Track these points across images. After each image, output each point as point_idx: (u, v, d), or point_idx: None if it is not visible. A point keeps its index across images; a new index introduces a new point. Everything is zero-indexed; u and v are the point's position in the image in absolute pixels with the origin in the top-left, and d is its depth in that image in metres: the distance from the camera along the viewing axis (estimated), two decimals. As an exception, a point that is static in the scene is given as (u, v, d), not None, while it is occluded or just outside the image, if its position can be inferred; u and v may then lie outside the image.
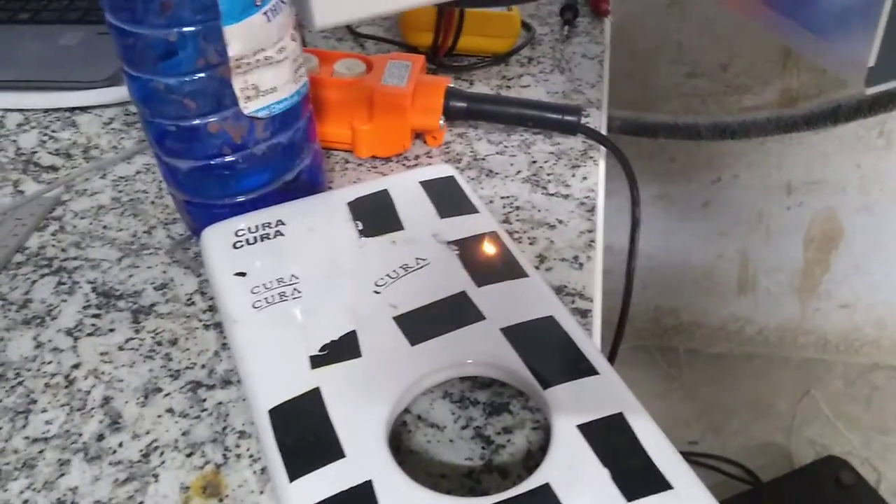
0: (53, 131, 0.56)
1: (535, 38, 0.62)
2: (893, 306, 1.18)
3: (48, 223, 0.48)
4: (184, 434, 0.36)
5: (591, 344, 0.33)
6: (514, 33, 0.59)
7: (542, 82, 0.57)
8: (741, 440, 1.16)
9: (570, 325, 0.34)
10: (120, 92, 0.57)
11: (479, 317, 0.35)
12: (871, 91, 0.29)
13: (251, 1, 0.38)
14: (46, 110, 0.58)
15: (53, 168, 0.53)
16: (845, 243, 1.12)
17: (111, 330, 0.41)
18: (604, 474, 0.28)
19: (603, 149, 0.51)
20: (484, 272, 0.37)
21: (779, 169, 1.06)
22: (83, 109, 0.58)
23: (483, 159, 0.51)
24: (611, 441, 0.29)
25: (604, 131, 0.54)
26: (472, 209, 0.41)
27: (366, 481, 0.29)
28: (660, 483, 0.28)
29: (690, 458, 1.13)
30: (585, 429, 0.30)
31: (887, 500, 1.02)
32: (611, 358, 0.63)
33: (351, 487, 0.29)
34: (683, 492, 0.27)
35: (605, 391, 0.31)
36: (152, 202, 0.50)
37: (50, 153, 0.54)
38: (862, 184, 1.06)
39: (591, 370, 0.32)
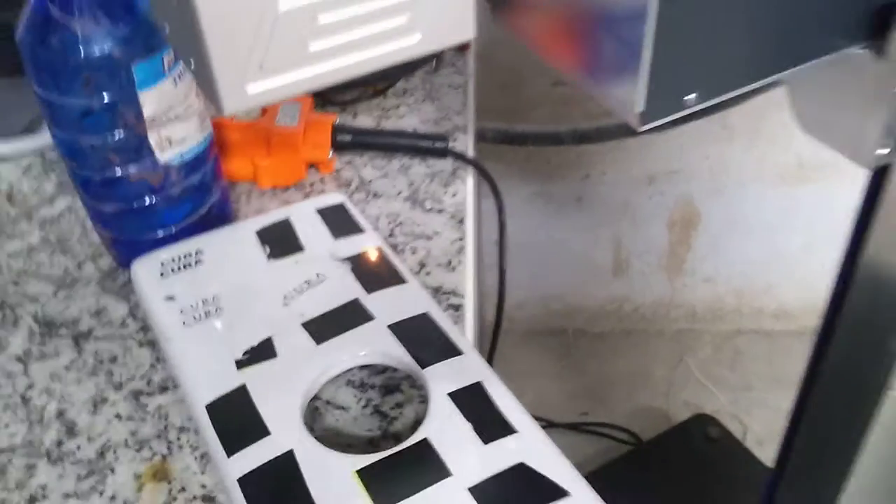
0: (-24, 180, 0.62)
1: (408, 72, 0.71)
2: (749, 277, 1.34)
3: (-16, 265, 0.54)
4: (132, 434, 0.44)
5: (457, 331, 0.43)
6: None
7: (416, 111, 0.67)
8: (626, 407, 1.29)
9: (440, 317, 0.44)
10: (36, 141, 0.63)
11: (369, 318, 0.44)
12: (644, 128, 0.39)
13: (161, 69, 0.46)
14: (-34, 161, 0.63)
15: (-19, 214, 0.59)
16: (703, 225, 1.26)
17: (57, 354, 0.48)
18: (468, 427, 0.38)
19: (471, 167, 0.61)
20: (372, 281, 0.46)
21: (640, 163, 1.19)
22: (1, 159, 0.63)
23: (369, 183, 0.60)
24: (472, 403, 0.39)
25: (470, 152, 0.63)
26: (360, 229, 0.50)
27: (288, 451, 0.37)
28: (509, 429, 0.37)
29: (582, 427, 1.25)
30: (454, 396, 0.39)
31: (751, 449, 1.16)
32: (494, 336, 0.73)
33: (277, 456, 0.37)
34: (526, 434, 0.37)
35: (468, 367, 0.41)
36: (78, 240, 0.56)
37: (-24, 201, 0.60)
38: (711, 172, 1.20)
39: (457, 352, 0.41)
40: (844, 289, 0.54)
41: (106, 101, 0.45)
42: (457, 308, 0.50)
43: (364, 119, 0.66)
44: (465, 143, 0.64)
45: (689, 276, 1.32)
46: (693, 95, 0.40)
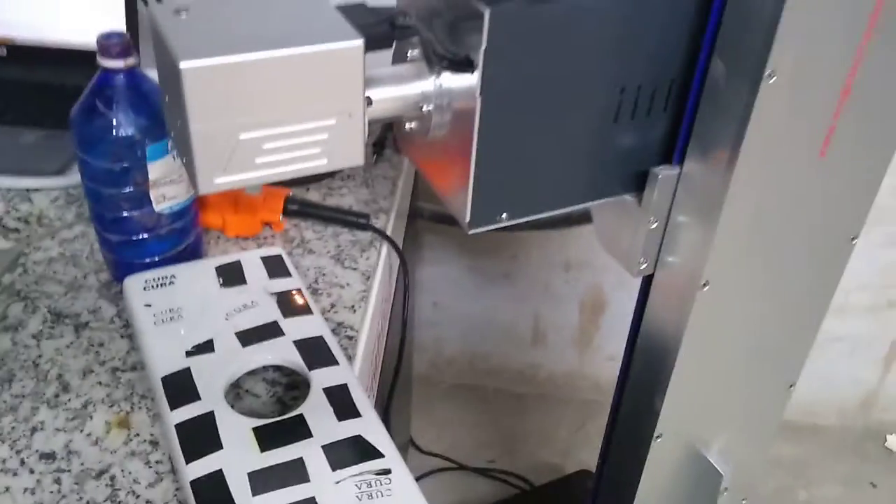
0: (16, 205, 0.82)
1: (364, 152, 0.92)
2: (650, 360, 1.54)
3: (16, 267, 0.74)
4: (107, 395, 0.63)
5: (339, 349, 0.63)
6: (340, 157, 0.90)
7: (354, 193, 0.88)
8: (529, 460, 1.47)
9: (331, 340, 0.64)
10: (65, 180, 0.84)
11: (282, 334, 0.64)
12: (472, 232, 0.60)
13: (166, 149, 0.67)
14: (9, 189, 0.84)
15: (17, 230, 0.79)
16: (610, 310, 1.47)
17: (61, 336, 0.68)
18: (330, 410, 0.57)
19: (386, 241, 0.82)
20: (288, 310, 0.66)
21: (559, 251, 1.41)
22: (37, 190, 0.84)
23: (308, 242, 0.81)
24: (337, 395, 0.58)
25: (389, 229, 0.84)
26: (289, 274, 0.70)
27: (210, 411, 0.57)
28: (356, 413, 0.57)
29: (488, 472, 1.44)
30: (326, 390, 0.59)
31: None
32: (395, 372, 0.93)
33: (203, 413, 0.57)
34: (366, 417, 0.57)
35: (340, 374, 0.61)
36: (86, 257, 0.76)
37: (14, 219, 0.80)
38: (618, 265, 1.42)
39: (335, 362, 0.61)
40: (629, 363, 0.74)
41: (124, 166, 0.66)
42: (351, 338, 0.70)
43: (313, 193, 0.87)
44: (386, 222, 0.85)
45: (597, 352, 1.53)
46: (504, 215, 0.61)
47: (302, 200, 0.82)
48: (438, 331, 1.55)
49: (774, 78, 0.52)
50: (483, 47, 0.51)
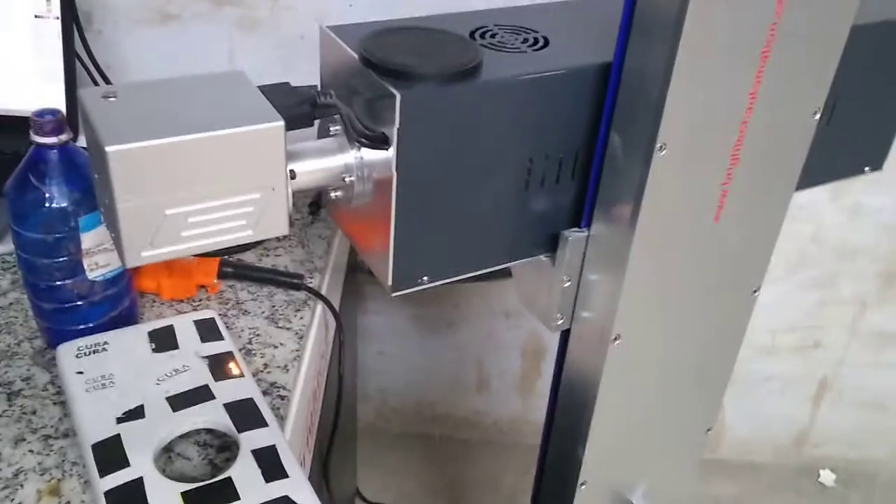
0: (-50, 272, 0.83)
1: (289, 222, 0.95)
2: (592, 403, 1.57)
3: (-51, 336, 0.75)
4: (39, 463, 0.64)
5: (269, 410, 0.65)
6: (276, 218, 0.92)
7: (290, 253, 0.90)
8: (476, 507, 1.49)
9: (260, 401, 0.66)
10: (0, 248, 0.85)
11: (212, 397, 0.66)
12: (395, 295, 0.63)
13: (98, 220, 0.69)
14: (-56, 256, 0.85)
15: (-49, 298, 0.79)
16: (549, 356, 1.51)
17: (-7, 405, 0.69)
18: (258, 472, 0.59)
19: (320, 300, 0.84)
20: (219, 373, 0.68)
21: (499, 301, 1.44)
22: (-28, 257, 0.85)
23: (243, 303, 0.83)
24: (265, 457, 0.60)
25: (324, 288, 0.87)
26: (221, 337, 0.72)
27: (139, 477, 0.58)
28: (284, 475, 0.59)
29: (435, 521, 1.44)
30: (254, 451, 0.61)
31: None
32: (334, 425, 0.94)
33: (132, 480, 0.58)
34: (293, 479, 0.59)
35: (269, 435, 0.63)
36: (21, 324, 0.77)
37: (-52, 287, 0.81)
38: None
39: (264, 424, 0.63)
40: (552, 413, 0.78)
41: (58, 236, 0.67)
42: (283, 398, 0.72)
43: (249, 255, 0.89)
44: (321, 281, 0.88)
45: (540, 398, 1.56)
46: (425, 278, 0.64)
47: (236, 263, 0.84)
48: (384, 380, 1.57)
49: (665, 150, 0.56)
50: (396, 126, 0.54)
